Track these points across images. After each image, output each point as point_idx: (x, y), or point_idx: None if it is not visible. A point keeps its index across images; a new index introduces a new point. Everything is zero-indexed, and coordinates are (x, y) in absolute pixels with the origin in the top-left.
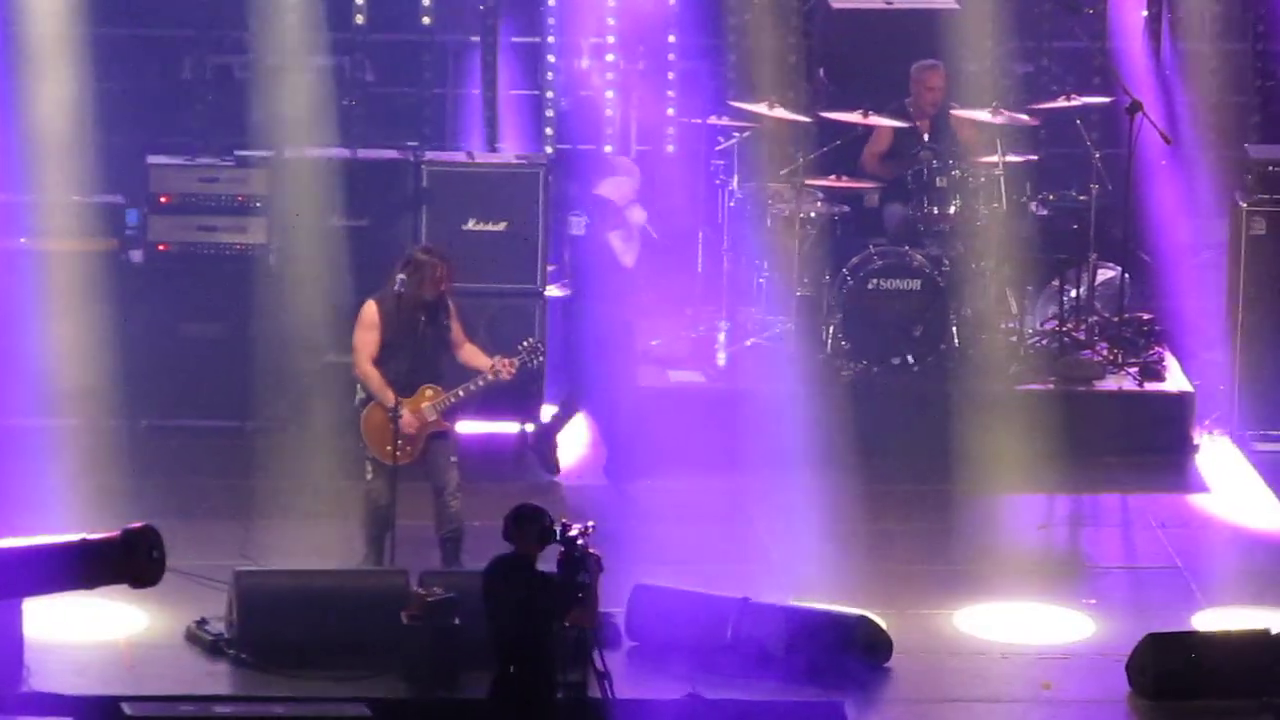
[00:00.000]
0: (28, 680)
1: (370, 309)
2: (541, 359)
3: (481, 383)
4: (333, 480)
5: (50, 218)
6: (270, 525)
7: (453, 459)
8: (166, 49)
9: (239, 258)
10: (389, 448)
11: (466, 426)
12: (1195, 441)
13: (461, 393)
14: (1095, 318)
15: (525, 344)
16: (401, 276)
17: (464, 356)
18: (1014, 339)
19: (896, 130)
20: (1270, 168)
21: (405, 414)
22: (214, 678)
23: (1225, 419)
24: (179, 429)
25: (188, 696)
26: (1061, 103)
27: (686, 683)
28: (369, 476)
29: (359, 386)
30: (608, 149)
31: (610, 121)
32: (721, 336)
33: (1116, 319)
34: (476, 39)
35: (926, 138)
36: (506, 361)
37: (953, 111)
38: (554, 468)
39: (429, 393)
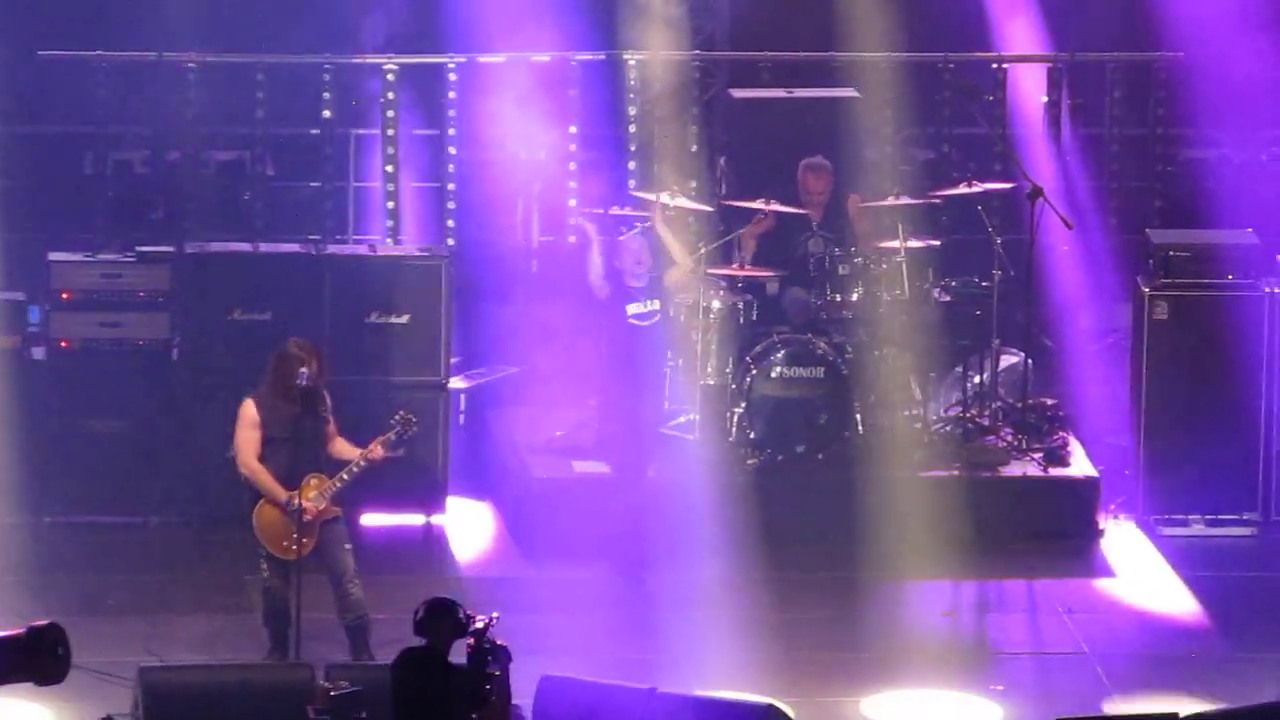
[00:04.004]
0: None
1: (249, 407)
2: (415, 429)
3: (362, 464)
4: (238, 574)
5: None
6: (176, 621)
7: (346, 545)
8: (67, 145)
9: (142, 353)
10: (285, 543)
11: (370, 519)
12: (1100, 526)
13: (346, 475)
14: (999, 403)
15: (398, 417)
16: (304, 370)
17: (335, 450)
18: (918, 425)
19: (782, 216)
20: (1172, 252)
21: (303, 504)
22: None
23: (1130, 503)
24: (83, 525)
25: None
26: (963, 189)
27: None
28: (265, 575)
29: (244, 484)
30: (509, 240)
31: (511, 213)
32: None
33: (1020, 405)
34: (377, 132)
35: (816, 225)
36: (377, 444)
37: (852, 203)
38: None
39: (314, 481)
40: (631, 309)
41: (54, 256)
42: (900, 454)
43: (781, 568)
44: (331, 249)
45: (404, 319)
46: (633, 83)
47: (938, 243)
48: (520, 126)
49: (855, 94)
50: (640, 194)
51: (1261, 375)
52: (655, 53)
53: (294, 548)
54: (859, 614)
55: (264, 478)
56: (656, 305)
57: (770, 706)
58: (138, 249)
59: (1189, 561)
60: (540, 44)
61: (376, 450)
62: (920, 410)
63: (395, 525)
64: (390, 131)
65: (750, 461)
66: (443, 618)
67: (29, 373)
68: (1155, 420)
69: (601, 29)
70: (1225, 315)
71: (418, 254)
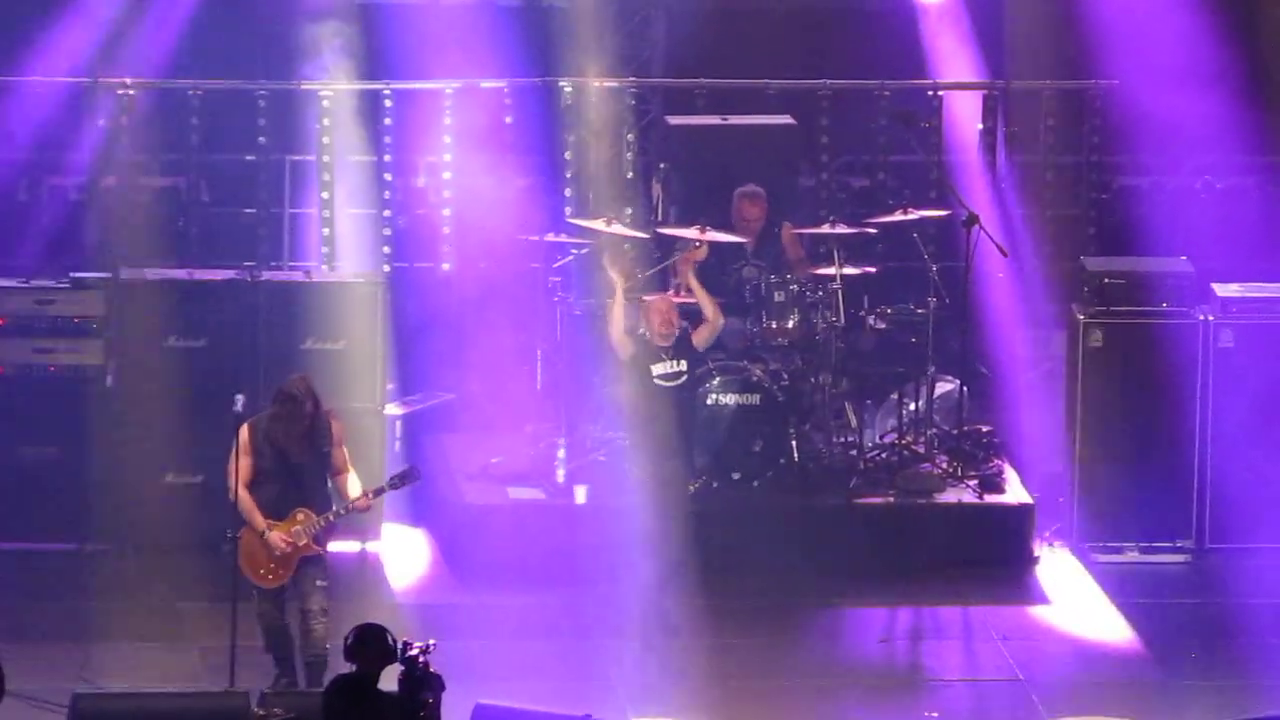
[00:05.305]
0: None
1: (244, 433)
2: (416, 481)
3: (348, 510)
4: (171, 602)
5: None
6: (109, 648)
7: (319, 582)
8: (1, 170)
9: (76, 379)
10: (262, 570)
11: None
12: (1035, 553)
13: (331, 517)
14: (934, 430)
15: (401, 472)
16: (239, 395)
17: (341, 484)
18: (853, 452)
19: (716, 243)
20: (1106, 280)
21: (274, 535)
22: None
23: (1065, 530)
24: (16, 551)
25: None
26: (898, 216)
27: None
28: (257, 602)
29: (234, 510)
30: (445, 266)
31: (447, 239)
32: (561, 453)
33: (955, 432)
34: (313, 158)
35: (750, 252)
36: (365, 495)
37: (786, 230)
38: None
39: (300, 517)
40: (656, 369)
41: None
42: (836, 481)
43: (717, 594)
44: (267, 275)
45: (340, 345)
46: (569, 108)
47: (873, 270)
48: (457, 153)
49: (791, 121)
50: (576, 221)
51: (1195, 403)
52: (591, 79)
53: (269, 576)
54: (795, 641)
55: (246, 505)
56: (684, 365)
57: None
58: (72, 275)
59: (1123, 588)
60: (477, 71)
61: (363, 501)
62: (855, 437)
63: (331, 551)
64: (326, 158)
65: (687, 488)
66: (372, 643)
67: None
68: (1090, 447)
69: (538, 56)
70: (1159, 343)
71: (354, 280)
